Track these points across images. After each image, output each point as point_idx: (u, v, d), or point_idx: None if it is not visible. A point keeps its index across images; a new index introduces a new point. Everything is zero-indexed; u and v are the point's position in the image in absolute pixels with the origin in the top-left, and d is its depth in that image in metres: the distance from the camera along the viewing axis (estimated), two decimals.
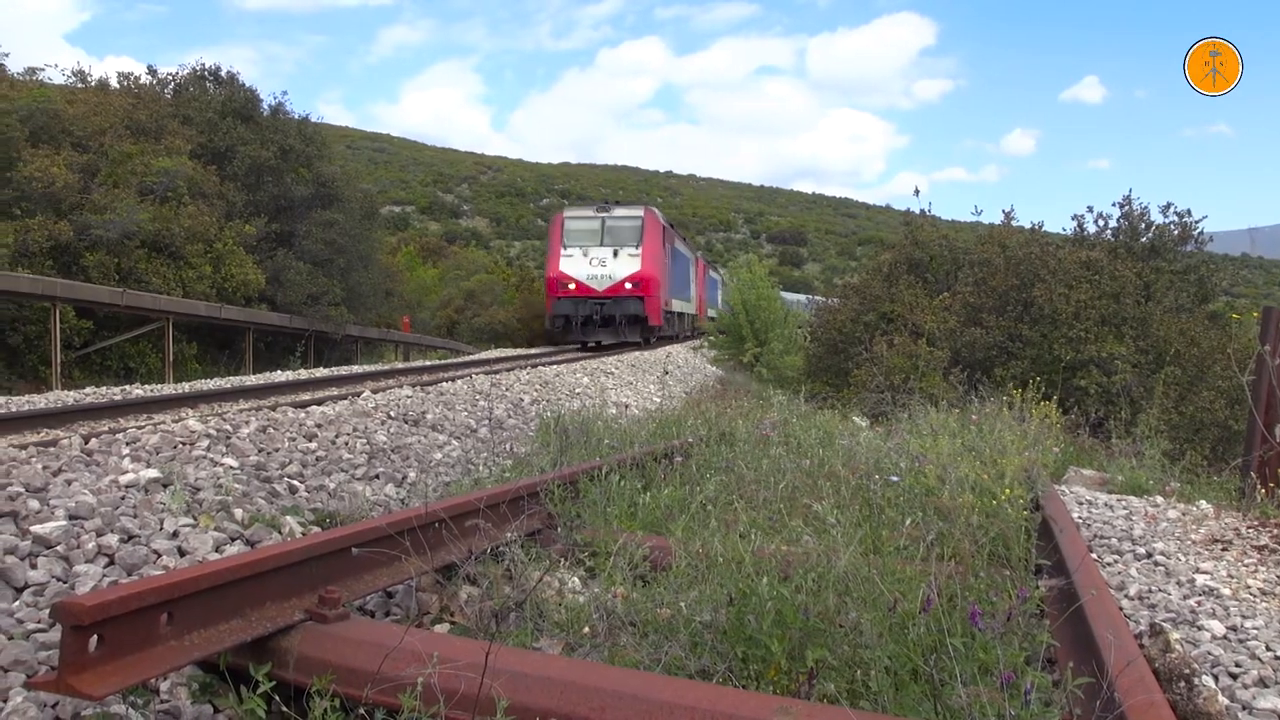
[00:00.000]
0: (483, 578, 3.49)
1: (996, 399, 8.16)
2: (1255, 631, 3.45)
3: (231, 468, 4.66)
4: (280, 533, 3.89)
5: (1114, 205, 21.06)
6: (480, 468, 6.27)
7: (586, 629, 3.15)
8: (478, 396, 9.02)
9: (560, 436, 6.56)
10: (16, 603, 2.76)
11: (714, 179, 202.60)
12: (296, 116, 27.35)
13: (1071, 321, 17.11)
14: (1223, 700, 2.72)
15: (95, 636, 2.14)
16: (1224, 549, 4.74)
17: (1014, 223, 22.43)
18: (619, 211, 26.03)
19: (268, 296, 23.10)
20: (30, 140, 19.58)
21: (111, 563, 3.17)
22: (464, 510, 3.82)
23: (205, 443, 4.96)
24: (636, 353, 22.03)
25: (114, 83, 25.30)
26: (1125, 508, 5.83)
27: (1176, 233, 19.92)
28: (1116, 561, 4.63)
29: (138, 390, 10.71)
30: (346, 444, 5.83)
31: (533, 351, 16.71)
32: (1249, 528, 5.12)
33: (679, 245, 33.07)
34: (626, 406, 9.31)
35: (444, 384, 9.38)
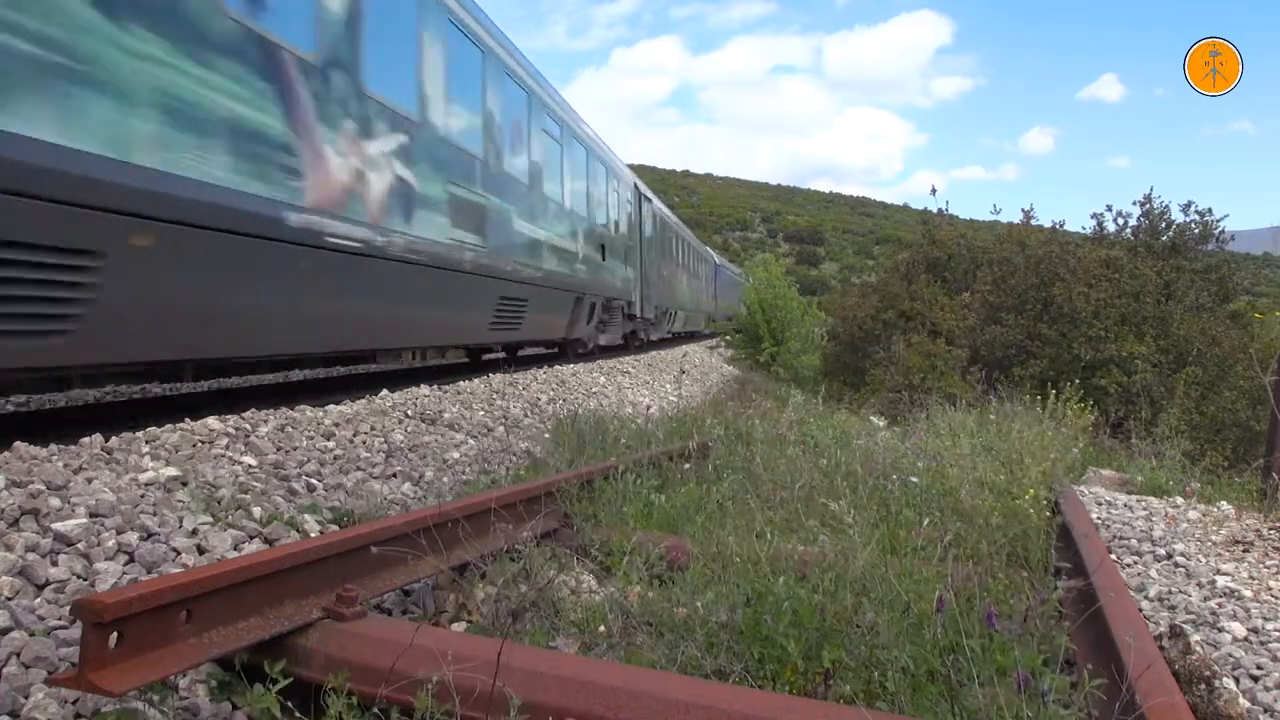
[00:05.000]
0: (499, 576, 3.50)
1: (1015, 398, 8.12)
2: (1277, 633, 3.42)
3: (250, 466, 4.69)
4: (298, 531, 3.91)
5: (1134, 204, 20.98)
6: (497, 467, 6.28)
7: (602, 628, 3.15)
8: (495, 396, 9.04)
9: (576, 436, 6.56)
10: (38, 600, 2.78)
11: (731, 178, 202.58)
12: None
13: (1091, 320, 17.02)
14: (1244, 703, 2.70)
15: (115, 634, 2.16)
16: (1245, 550, 4.69)
17: (1033, 221, 22.35)
18: None
19: None
20: None
21: (131, 560, 3.19)
22: (480, 509, 3.83)
23: (224, 441, 4.99)
24: (654, 352, 22.03)
25: None
26: (1145, 508, 5.79)
27: (1197, 231, 19.77)
28: (1136, 563, 4.60)
29: (156, 389, 10.79)
30: (364, 442, 5.85)
31: (550, 351, 16.75)
32: (1270, 529, 5.07)
33: None
34: (643, 406, 9.30)
35: (461, 383, 9.40)
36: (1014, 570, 3.72)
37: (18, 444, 4.08)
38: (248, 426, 5.38)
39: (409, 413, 7.12)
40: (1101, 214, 21.25)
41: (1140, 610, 3.56)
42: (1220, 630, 3.49)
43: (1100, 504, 5.95)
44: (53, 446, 4.21)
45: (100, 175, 4.57)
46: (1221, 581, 4.05)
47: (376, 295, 7.65)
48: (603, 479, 4.79)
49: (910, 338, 19.56)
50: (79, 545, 3.13)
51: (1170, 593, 4.00)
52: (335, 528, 4.15)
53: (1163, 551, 4.71)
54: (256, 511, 3.94)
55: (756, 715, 2.11)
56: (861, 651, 2.69)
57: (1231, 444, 13.94)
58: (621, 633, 3.11)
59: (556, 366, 12.99)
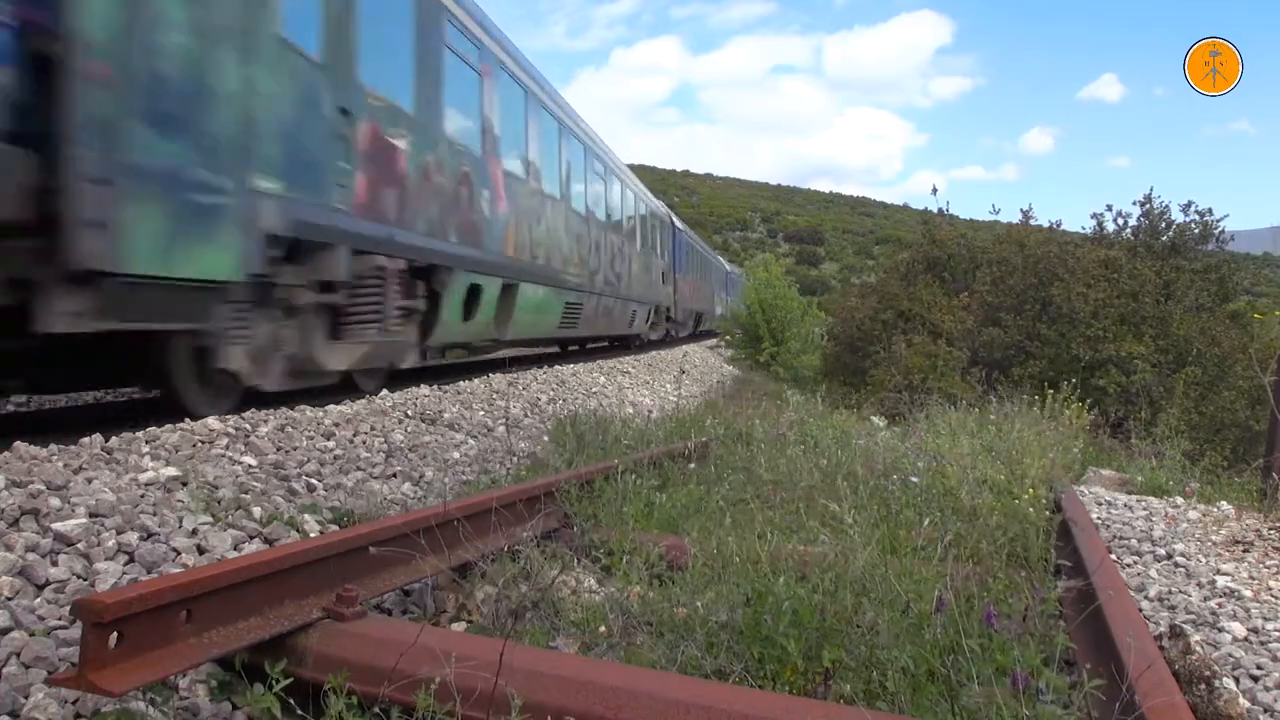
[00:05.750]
0: (499, 576, 3.50)
1: (1015, 399, 8.12)
2: (1277, 633, 3.42)
3: (250, 466, 4.69)
4: (298, 531, 3.91)
5: (1134, 204, 20.98)
6: (497, 467, 6.28)
7: (603, 628, 3.15)
8: (495, 395, 9.04)
9: (577, 436, 6.56)
10: (38, 600, 2.78)
11: (731, 178, 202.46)
12: None
13: (1090, 321, 17.02)
14: (1244, 703, 2.70)
15: (115, 634, 2.16)
16: (1245, 550, 4.70)
17: (1033, 221, 22.35)
18: None
19: None
20: None
21: (131, 560, 3.19)
22: (481, 509, 3.83)
23: (224, 441, 4.98)
24: (654, 352, 22.03)
25: None
26: (1145, 508, 5.79)
27: (1197, 231, 19.76)
28: (1136, 563, 4.60)
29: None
30: (364, 442, 5.85)
31: (549, 351, 16.71)
32: (1270, 529, 5.07)
33: None
34: (643, 407, 9.32)
35: (461, 383, 9.40)
36: (1014, 570, 3.72)
37: (18, 444, 4.08)
38: (248, 426, 5.38)
39: (409, 413, 7.12)
40: (1101, 214, 21.26)
41: (1140, 610, 3.56)
42: (1220, 630, 3.49)
43: (1100, 504, 5.95)
44: (53, 446, 4.21)
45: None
46: (1221, 581, 4.06)
47: None
48: (603, 479, 4.79)
49: (910, 338, 19.57)
50: (79, 545, 3.13)
51: (1170, 593, 4.00)
52: (335, 528, 4.15)
53: (1163, 551, 4.71)
54: (256, 511, 3.94)
55: (756, 715, 2.11)
56: (861, 651, 2.69)
57: (1231, 444, 13.95)
58: (621, 633, 3.11)
59: (557, 367, 12.98)
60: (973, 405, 8.63)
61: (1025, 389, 9.02)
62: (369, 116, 7.53)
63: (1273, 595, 3.89)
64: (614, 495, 4.63)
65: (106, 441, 4.48)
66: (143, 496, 3.72)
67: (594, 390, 11.92)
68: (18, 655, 2.43)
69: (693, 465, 5.60)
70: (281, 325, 6.64)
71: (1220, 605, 3.75)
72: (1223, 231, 19.64)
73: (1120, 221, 20.79)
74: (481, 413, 8.03)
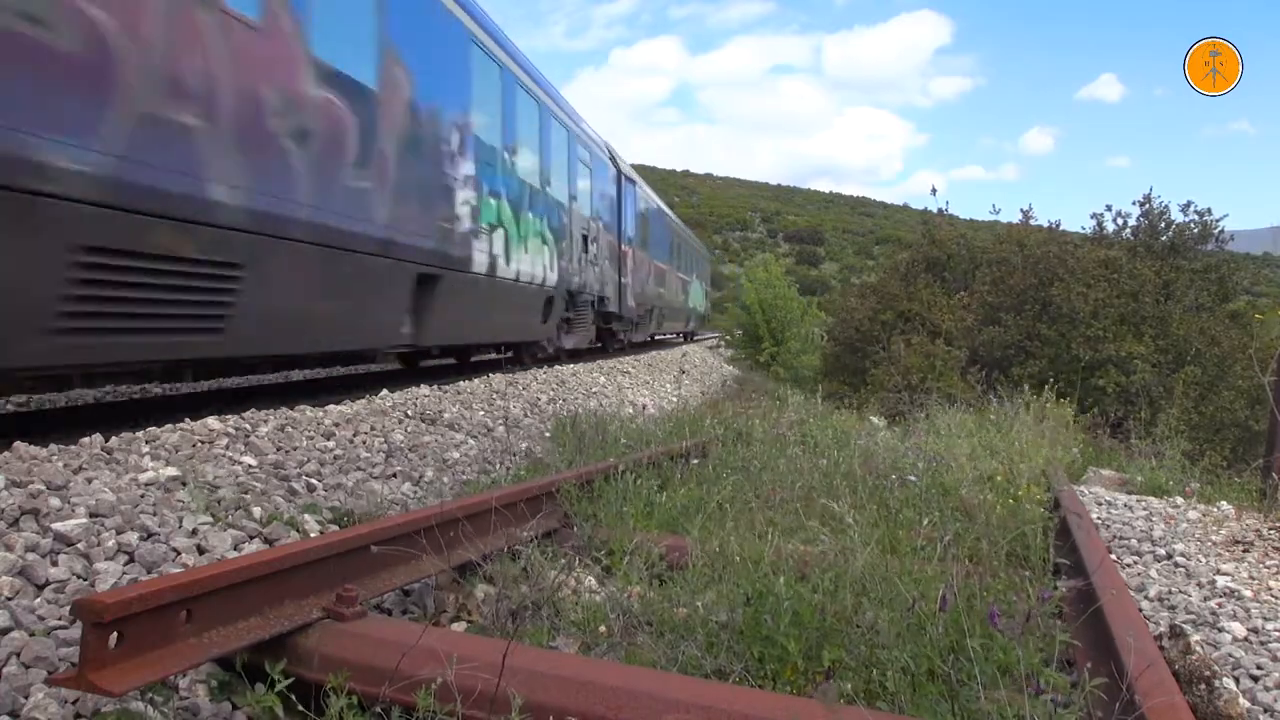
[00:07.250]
0: (499, 576, 3.50)
1: (1014, 399, 8.13)
2: (1277, 633, 3.42)
3: (250, 466, 4.68)
4: (298, 531, 3.91)
5: (1134, 204, 20.97)
6: (497, 467, 6.28)
7: (603, 628, 3.15)
8: (495, 396, 9.04)
9: (577, 436, 6.56)
10: (38, 600, 2.78)
11: (731, 178, 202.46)
12: None
13: (1089, 320, 17.01)
14: (1244, 703, 2.70)
15: (115, 634, 2.16)
16: (1245, 550, 4.70)
17: (1032, 221, 22.35)
18: None
19: None
20: None
21: (131, 560, 3.19)
22: (481, 509, 3.83)
23: (224, 441, 4.98)
24: (653, 352, 22.02)
25: None
26: (1145, 508, 5.79)
27: (1197, 231, 19.75)
28: (1136, 563, 4.60)
29: (156, 389, 10.78)
30: (364, 442, 5.85)
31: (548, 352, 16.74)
32: (1270, 529, 5.07)
33: None
34: (643, 406, 9.32)
35: (461, 383, 9.40)
36: (1013, 570, 3.72)
37: (18, 444, 4.08)
38: (248, 426, 5.38)
39: (409, 413, 7.12)
40: (1101, 214, 21.26)
41: (1140, 610, 3.56)
42: (1220, 630, 3.49)
43: (1100, 504, 5.95)
44: (53, 446, 4.21)
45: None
46: (1221, 581, 4.06)
47: None
48: (603, 479, 4.79)
49: (910, 338, 19.56)
50: (79, 545, 3.13)
51: (1170, 593, 4.00)
52: (335, 528, 4.15)
53: (1163, 551, 4.71)
54: (256, 511, 3.94)
55: (756, 715, 2.11)
56: (861, 651, 2.69)
57: (1231, 444, 13.95)
58: (622, 633, 3.11)
59: (557, 367, 12.98)
60: (972, 405, 8.63)
61: (1025, 389, 9.02)
62: None
63: (1273, 595, 3.89)
64: (614, 495, 4.63)
65: (106, 441, 4.48)
66: (143, 496, 3.71)
67: (594, 390, 11.92)
68: (18, 655, 2.43)
69: (694, 462, 5.60)
70: None
71: (1220, 605, 3.75)
72: (1222, 231, 19.64)
73: (1120, 221, 20.80)
74: (481, 413, 8.03)
